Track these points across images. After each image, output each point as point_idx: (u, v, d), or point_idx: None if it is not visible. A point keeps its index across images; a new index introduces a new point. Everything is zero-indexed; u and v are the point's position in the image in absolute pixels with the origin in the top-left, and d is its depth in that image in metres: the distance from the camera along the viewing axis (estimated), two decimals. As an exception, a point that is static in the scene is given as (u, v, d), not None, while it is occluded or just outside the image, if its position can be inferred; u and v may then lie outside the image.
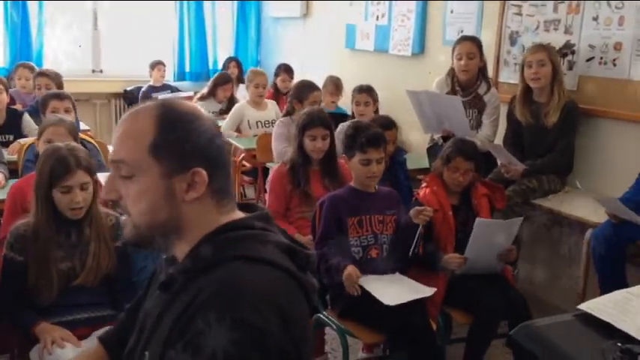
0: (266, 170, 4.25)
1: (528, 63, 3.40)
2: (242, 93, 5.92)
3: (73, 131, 2.75)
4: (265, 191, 4.06)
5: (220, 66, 7.10)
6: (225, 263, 1.06)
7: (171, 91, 6.57)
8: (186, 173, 1.09)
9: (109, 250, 2.20)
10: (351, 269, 2.47)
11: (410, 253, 2.67)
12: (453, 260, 2.71)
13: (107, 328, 2.09)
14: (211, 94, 5.57)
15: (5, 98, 3.89)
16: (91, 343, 2.06)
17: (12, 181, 3.09)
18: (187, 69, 7.21)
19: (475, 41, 3.73)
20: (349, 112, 5.03)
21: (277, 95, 5.89)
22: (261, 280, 1.05)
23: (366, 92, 4.17)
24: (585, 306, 1.44)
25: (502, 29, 4.06)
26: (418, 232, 2.64)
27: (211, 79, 5.68)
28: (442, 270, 2.73)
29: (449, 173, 2.84)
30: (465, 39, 3.77)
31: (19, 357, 2.24)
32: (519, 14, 3.94)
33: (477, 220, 2.70)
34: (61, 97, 3.44)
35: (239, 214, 1.17)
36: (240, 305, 0.99)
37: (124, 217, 1.16)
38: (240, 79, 6.52)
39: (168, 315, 1.08)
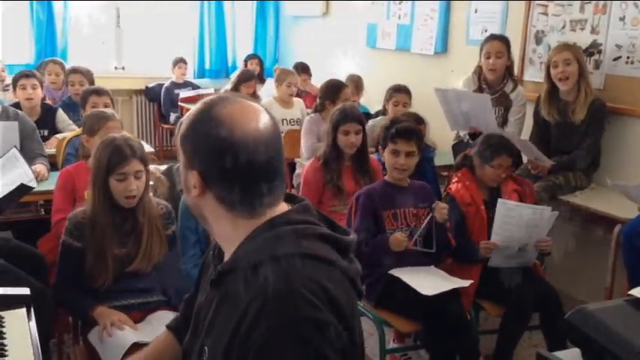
0: (292, 166, 4.32)
1: (554, 63, 3.45)
2: (267, 89, 5.99)
3: (122, 126, 2.84)
4: (292, 186, 4.13)
5: (239, 64, 7.20)
6: (271, 262, 1.09)
7: (192, 88, 6.68)
8: (193, 171, 1.16)
9: (160, 237, 2.28)
10: (396, 234, 2.62)
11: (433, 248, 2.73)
12: (483, 247, 2.75)
13: (162, 312, 2.23)
14: (234, 90, 5.63)
15: (40, 94, 3.98)
16: (145, 326, 2.16)
17: (54, 174, 3.18)
18: (207, 66, 7.31)
19: (504, 40, 3.79)
20: (371, 111, 5.12)
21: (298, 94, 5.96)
22: (309, 274, 1.08)
23: (406, 93, 4.20)
24: (636, 291, 1.51)
25: (527, 28, 4.11)
26: (426, 223, 2.71)
27: (235, 76, 5.75)
28: (480, 261, 2.78)
29: (491, 170, 2.87)
30: (493, 38, 3.83)
31: (74, 340, 2.32)
32: (545, 14, 4.00)
33: (499, 200, 2.75)
34: (99, 92, 3.54)
35: (279, 208, 1.19)
36: (296, 304, 1.04)
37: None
38: (261, 77, 6.60)
39: (225, 313, 1.12)
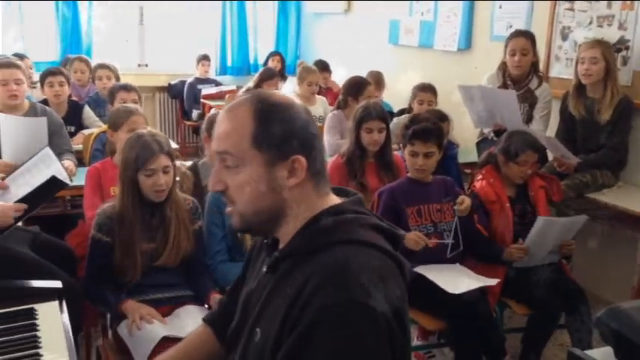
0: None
1: (581, 59, 3.41)
2: (288, 86, 6.01)
3: (146, 120, 2.87)
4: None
5: (261, 61, 7.23)
6: (329, 247, 1.12)
7: (215, 85, 6.72)
8: (287, 161, 1.16)
9: (187, 232, 2.29)
10: (409, 234, 2.61)
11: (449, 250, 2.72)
12: (515, 252, 2.75)
13: (189, 306, 2.25)
14: (257, 88, 5.66)
15: (67, 90, 4.03)
16: (172, 320, 2.18)
17: (81, 169, 3.22)
18: (229, 63, 7.35)
19: (529, 36, 3.74)
20: (394, 108, 5.09)
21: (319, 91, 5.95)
22: (366, 261, 1.11)
23: (431, 91, 4.13)
24: (670, 290, 1.49)
25: (553, 25, 4.07)
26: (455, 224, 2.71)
27: (257, 74, 5.77)
28: (503, 262, 2.78)
29: (516, 167, 2.85)
30: (518, 34, 3.78)
31: (103, 333, 2.35)
32: (571, 10, 3.96)
33: (539, 218, 2.72)
34: (128, 88, 3.59)
35: (335, 198, 1.24)
36: (350, 287, 1.06)
37: (228, 209, 1.22)
38: (282, 74, 6.62)
39: (279, 296, 1.14)
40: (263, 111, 1.16)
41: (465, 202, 2.73)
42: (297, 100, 4.09)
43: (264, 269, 1.23)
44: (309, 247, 1.14)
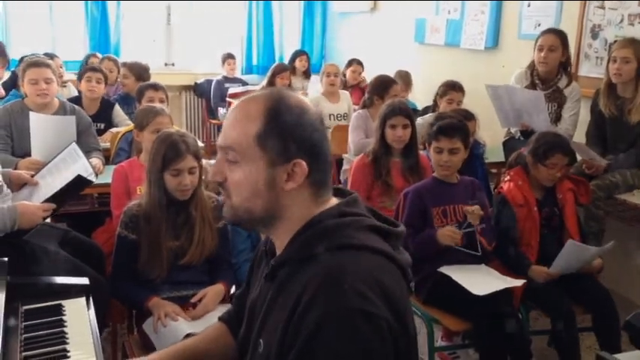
0: (339, 162, 4.31)
1: (613, 58, 3.35)
2: (313, 83, 6.02)
3: (172, 120, 2.90)
4: (340, 182, 4.13)
5: (287, 60, 7.24)
6: (325, 253, 1.10)
7: (242, 84, 6.76)
8: (288, 164, 1.13)
9: (212, 230, 2.30)
10: (443, 229, 2.60)
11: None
12: (541, 275, 2.70)
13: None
14: (270, 83, 5.70)
15: (103, 89, 4.12)
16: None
17: (108, 167, 3.27)
18: (255, 62, 7.39)
19: (559, 34, 3.69)
20: (419, 107, 5.07)
21: (344, 88, 5.95)
22: (361, 265, 1.09)
23: (461, 91, 4.05)
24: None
25: (583, 23, 4.01)
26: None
27: (270, 70, 5.84)
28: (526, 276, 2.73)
29: (545, 169, 2.80)
30: (549, 31, 3.74)
31: (128, 330, 2.38)
32: (602, 7, 3.89)
33: (570, 242, 2.66)
34: (156, 87, 3.63)
35: (333, 201, 1.21)
36: (347, 295, 1.04)
37: (221, 197, 1.21)
38: (307, 73, 6.63)
39: (279, 306, 1.13)
40: (275, 110, 1.14)
41: (475, 211, 2.69)
42: (323, 99, 4.10)
43: (264, 277, 1.22)
44: (302, 255, 1.13)
